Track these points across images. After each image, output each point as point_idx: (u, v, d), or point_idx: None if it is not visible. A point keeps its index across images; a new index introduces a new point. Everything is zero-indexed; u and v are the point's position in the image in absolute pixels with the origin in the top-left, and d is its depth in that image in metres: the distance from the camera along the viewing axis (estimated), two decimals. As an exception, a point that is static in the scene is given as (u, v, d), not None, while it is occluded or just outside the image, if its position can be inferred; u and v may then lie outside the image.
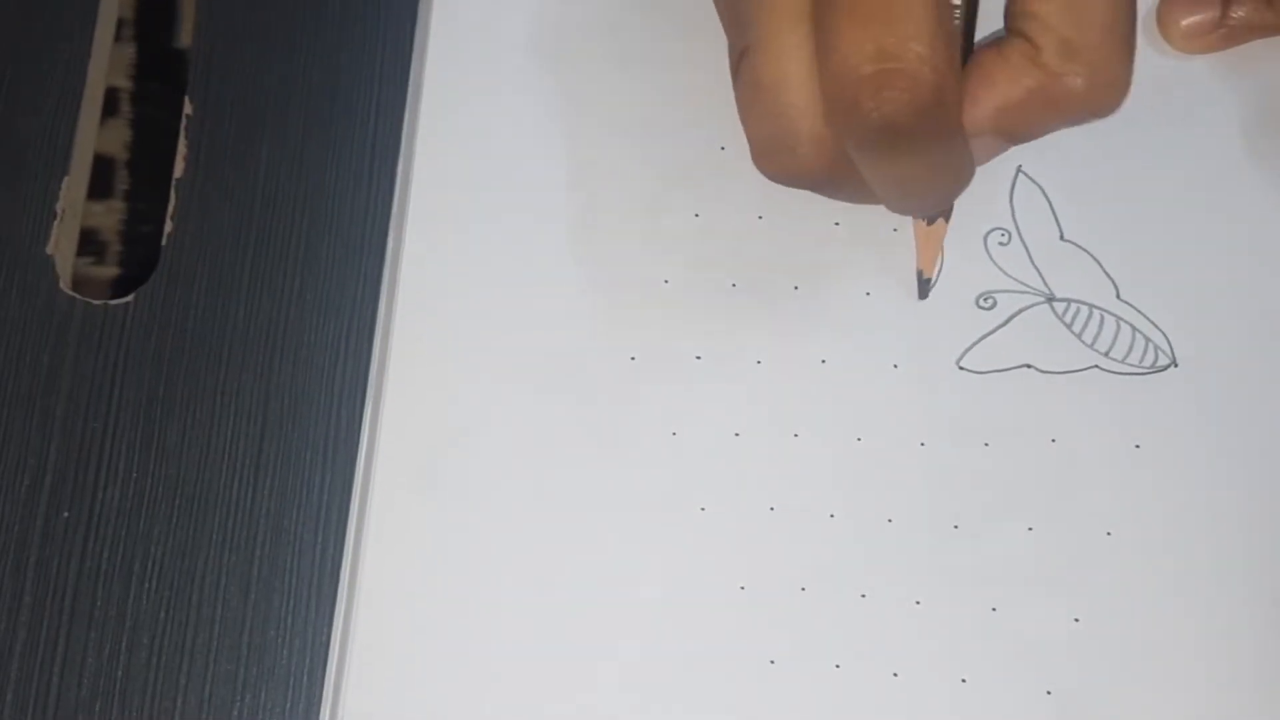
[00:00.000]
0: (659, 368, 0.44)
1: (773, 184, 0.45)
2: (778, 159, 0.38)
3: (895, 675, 0.42)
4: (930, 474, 0.44)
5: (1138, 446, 0.44)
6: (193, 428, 0.45)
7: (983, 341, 0.45)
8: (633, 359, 0.44)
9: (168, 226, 0.47)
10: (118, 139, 0.50)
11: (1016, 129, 0.37)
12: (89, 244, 0.48)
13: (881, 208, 0.41)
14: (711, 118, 0.47)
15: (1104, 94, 0.36)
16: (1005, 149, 0.39)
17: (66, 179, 0.47)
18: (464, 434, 0.43)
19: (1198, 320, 0.45)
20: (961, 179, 0.38)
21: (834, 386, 0.44)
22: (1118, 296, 0.45)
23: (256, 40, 0.49)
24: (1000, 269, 0.45)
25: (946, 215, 0.43)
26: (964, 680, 0.42)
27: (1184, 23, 0.47)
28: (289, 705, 0.43)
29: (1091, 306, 0.45)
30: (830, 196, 0.40)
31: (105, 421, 0.45)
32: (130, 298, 0.46)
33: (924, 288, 0.45)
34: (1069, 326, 0.45)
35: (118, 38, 0.51)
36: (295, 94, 0.49)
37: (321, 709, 0.42)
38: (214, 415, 0.45)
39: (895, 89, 0.33)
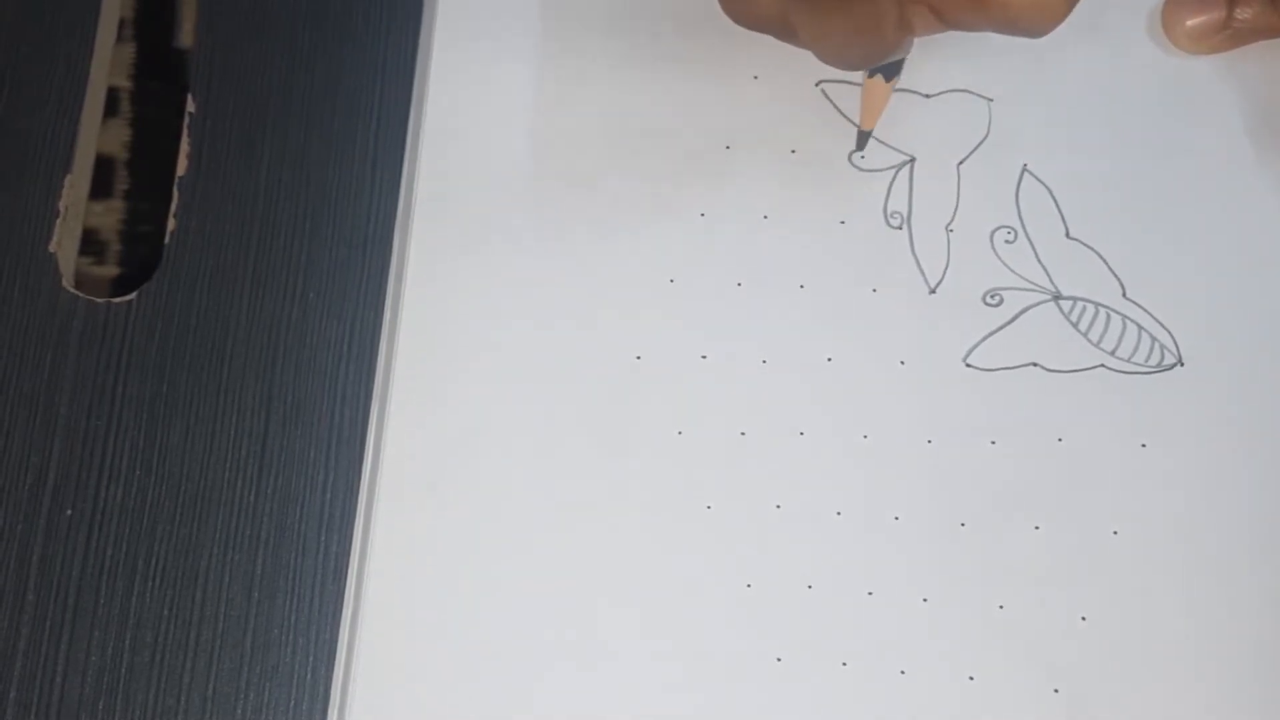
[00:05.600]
0: (664, 367, 0.44)
1: (777, 182, 0.45)
2: (737, 4, 0.41)
3: (902, 673, 0.42)
4: (937, 472, 0.44)
5: (1144, 445, 0.44)
6: (195, 426, 0.45)
7: (989, 339, 0.45)
8: (638, 358, 0.44)
9: (170, 225, 0.47)
10: (117, 139, 0.50)
11: (946, 15, 0.39)
12: (89, 244, 0.48)
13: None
14: (715, 116, 0.47)
15: (1030, 13, 0.38)
16: (943, 30, 0.40)
17: (69, 177, 0.47)
18: (469, 433, 0.43)
19: (1204, 319, 0.45)
20: (886, 45, 0.39)
21: (840, 384, 0.44)
22: (1124, 295, 0.45)
23: (258, 37, 0.49)
24: (1007, 266, 0.45)
25: (888, 74, 0.44)
26: (971, 678, 0.42)
27: (1189, 23, 0.48)
28: (292, 704, 0.42)
29: (1098, 305, 0.45)
30: (785, 41, 0.42)
31: (108, 420, 0.45)
32: (133, 296, 0.46)
33: (861, 140, 0.46)
34: (1075, 325, 0.45)
35: (118, 37, 0.51)
36: (298, 91, 0.49)
37: (329, 709, 0.42)
38: (217, 414, 0.45)
39: None
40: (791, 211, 0.46)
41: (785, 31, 0.41)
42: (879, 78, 0.44)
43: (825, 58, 0.40)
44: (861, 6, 0.37)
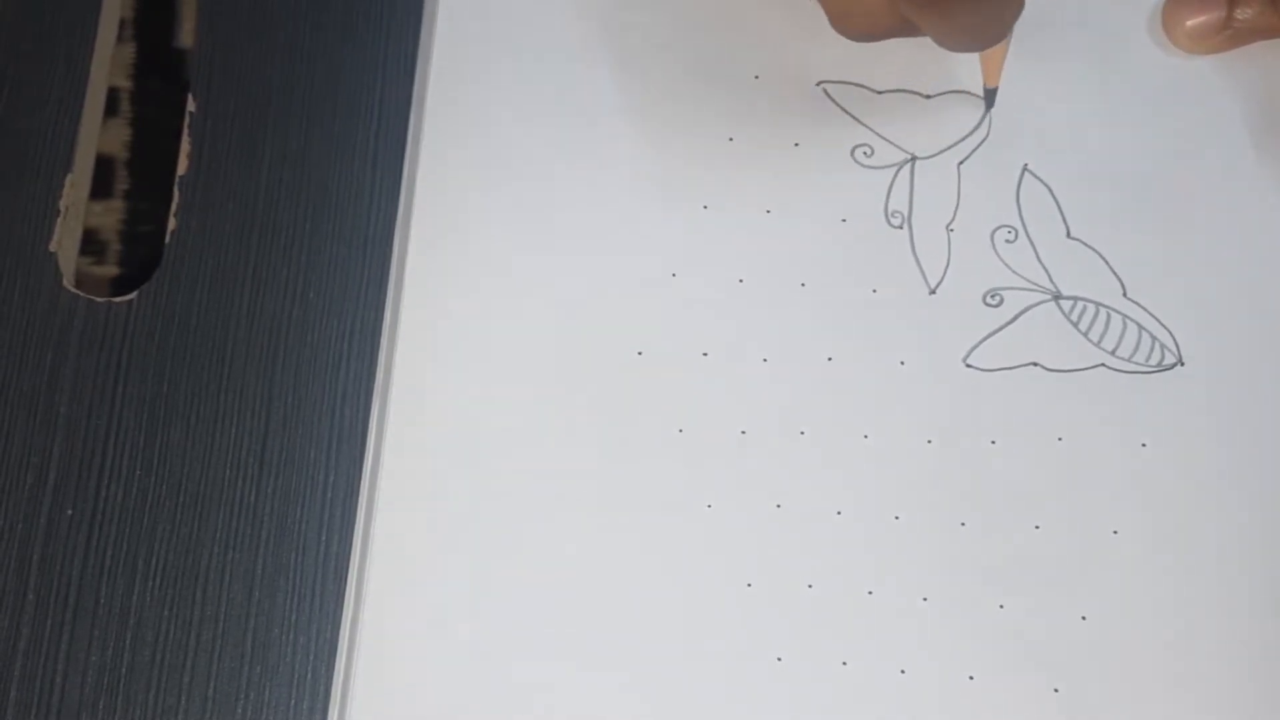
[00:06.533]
0: (666, 364, 0.44)
1: (778, 178, 0.45)
2: (852, 20, 0.42)
3: (902, 672, 0.42)
4: (937, 471, 0.44)
5: (1144, 445, 0.44)
6: (196, 426, 0.45)
7: (990, 339, 0.45)
8: (639, 355, 0.44)
9: (171, 224, 0.47)
10: (117, 138, 0.49)
11: None
12: (89, 244, 0.48)
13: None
14: (718, 111, 0.47)
15: None
16: None
17: (69, 177, 0.47)
18: (469, 432, 0.43)
19: (1204, 318, 0.45)
20: (1010, 13, 0.40)
21: (841, 384, 0.44)
22: (1124, 294, 0.45)
23: (258, 37, 0.49)
24: (1007, 266, 0.45)
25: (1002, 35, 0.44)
26: (971, 678, 0.42)
27: (1190, 24, 0.48)
28: (292, 704, 0.42)
29: (1098, 304, 0.45)
30: (905, 36, 0.43)
31: (108, 419, 0.44)
32: (133, 296, 0.46)
33: (990, 98, 0.47)
34: (1075, 324, 0.45)
35: (118, 37, 0.50)
36: (298, 91, 0.49)
37: (329, 708, 0.42)
38: (217, 413, 0.45)
39: None
40: (793, 206, 0.46)
41: (903, 33, 0.42)
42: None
43: (957, 47, 0.42)
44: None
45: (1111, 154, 0.47)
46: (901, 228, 0.46)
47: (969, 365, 0.45)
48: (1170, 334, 0.45)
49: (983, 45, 0.42)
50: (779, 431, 0.44)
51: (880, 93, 0.47)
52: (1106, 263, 0.46)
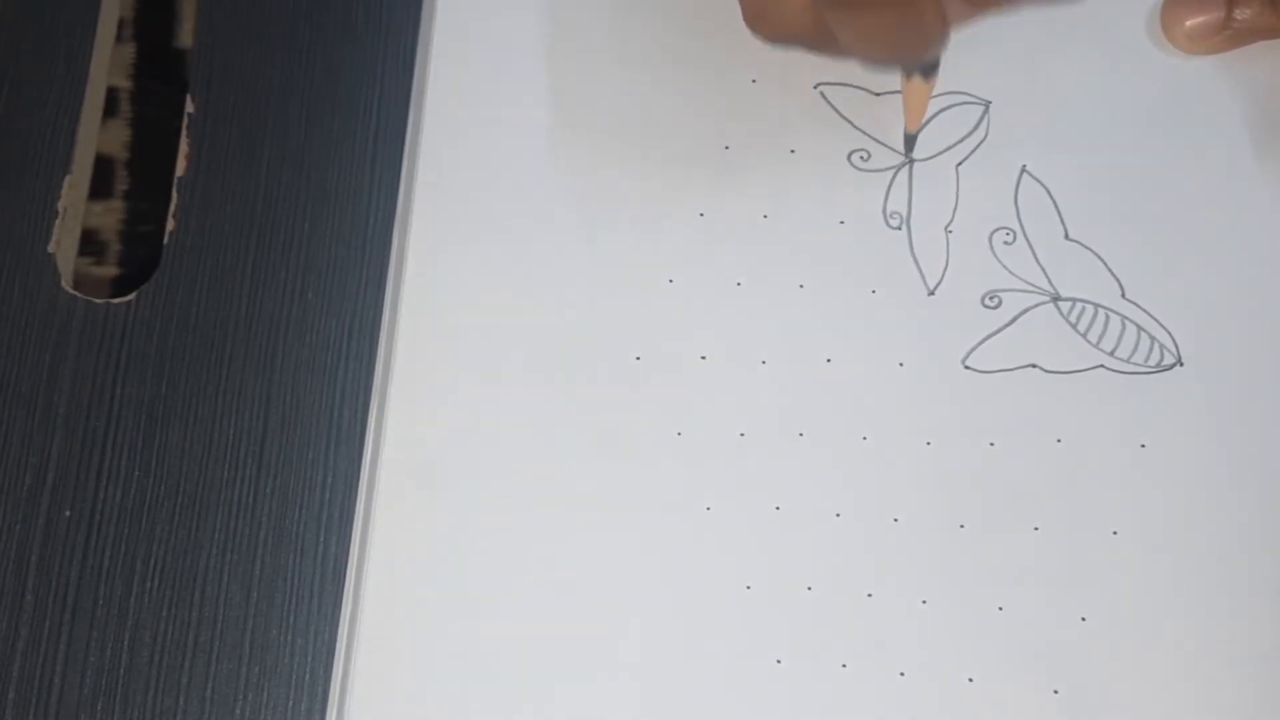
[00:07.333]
0: (664, 367, 0.44)
1: (776, 183, 0.45)
2: (767, 21, 0.40)
3: (902, 675, 0.42)
4: (936, 473, 0.44)
5: (1143, 446, 0.44)
6: (194, 426, 0.45)
7: (988, 341, 0.45)
8: (637, 358, 0.44)
9: (170, 225, 0.47)
10: (117, 139, 0.50)
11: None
12: (88, 244, 0.48)
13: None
14: (715, 116, 0.47)
15: None
16: (976, 16, 0.40)
17: (68, 177, 0.47)
18: (468, 433, 0.43)
19: (1203, 319, 0.45)
20: (928, 38, 0.39)
21: (839, 385, 0.44)
22: (1123, 295, 0.45)
23: (258, 37, 0.49)
24: (1005, 268, 0.45)
25: (927, 73, 0.43)
26: (970, 680, 0.42)
27: (1189, 24, 0.47)
28: (291, 704, 0.42)
29: (1097, 306, 0.45)
30: (817, 53, 0.41)
31: (107, 420, 0.44)
32: (132, 296, 0.46)
33: (909, 143, 0.46)
34: (1074, 326, 0.45)
35: (118, 37, 0.50)
36: (297, 92, 0.49)
37: (328, 709, 0.42)
38: (216, 414, 0.45)
39: None
40: (791, 212, 0.46)
41: (819, 42, 0.41)
42: (918, 78, 0.43)
43: (867, 60, 0.40)
44: (900, 6, 0.37)
45: (1110, 154, 0.47)
46: (900, 229, 0.46)
47: (968, 367, 0.45)
48: (1169, 334, 0.45)
49: (897, 59, 0.41)
50: (778, 433, 0.44)
51: (878, 95, 0.47)
52: (1105, 264, 0.46)
